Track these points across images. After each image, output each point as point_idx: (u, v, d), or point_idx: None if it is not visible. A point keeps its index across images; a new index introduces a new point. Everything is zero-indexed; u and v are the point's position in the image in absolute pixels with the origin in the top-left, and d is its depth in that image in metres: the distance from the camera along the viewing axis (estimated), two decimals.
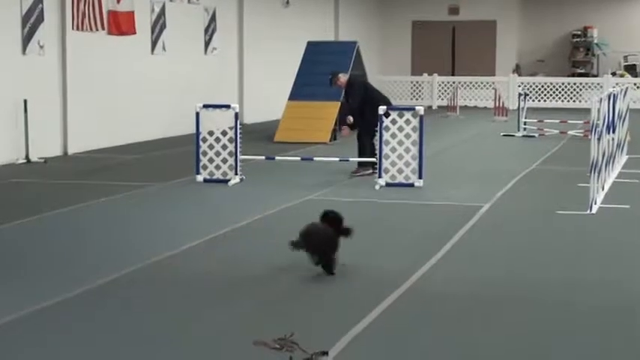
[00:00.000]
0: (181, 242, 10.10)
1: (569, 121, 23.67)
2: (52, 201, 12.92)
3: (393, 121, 14.25)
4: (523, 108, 23.35)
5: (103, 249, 9.95)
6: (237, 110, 14.86)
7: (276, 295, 8.10)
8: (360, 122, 15.53)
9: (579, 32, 38.98)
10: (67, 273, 8.84)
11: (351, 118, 15.55)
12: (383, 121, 14.25)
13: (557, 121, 24.00)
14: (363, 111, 15.30)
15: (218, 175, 14.71)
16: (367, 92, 15.75)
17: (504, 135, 22.94)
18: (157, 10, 22.02)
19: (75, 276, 8.66)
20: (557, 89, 34.00)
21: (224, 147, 14.72)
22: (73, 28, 18.77)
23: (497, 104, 28.47)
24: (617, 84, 28.43)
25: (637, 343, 6.86)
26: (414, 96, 34.96)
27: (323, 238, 8.44)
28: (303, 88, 22.26)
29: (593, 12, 38.67)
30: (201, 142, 14.74)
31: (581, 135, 21.59)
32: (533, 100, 32.06)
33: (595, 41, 38.67)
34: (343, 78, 16.21)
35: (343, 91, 16.28)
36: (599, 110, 12.26)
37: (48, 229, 11.10)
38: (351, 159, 15.61)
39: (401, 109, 14.64)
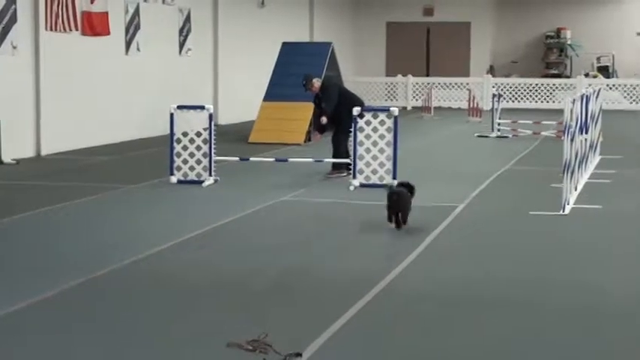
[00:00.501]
0: (155, 243, 10.07)
1: (543, 122, 23.79)
2: (23, 203, 12.85)
3: (368, 122, 14.27)
4: (497, 109, 23.44)
5: (75, 251, 9.91)
6: (212, 111, 14.84)
7: (249, 296, 8.10)
8: (336, 124, 15.56)
9: (553, 34, 39.22)
10: (38, 275, 8.79)
11: (324, 119, 15.55)
12: (357, 122, 14.27)
13: (531, 121, 24.12)
14: (337, 113, 15.33)
15: (192, 176, 14.68)
16: (341, 94, 15.78)
17: (478, 136, 23.03)
18: (131, 10, 21.96)
19: (46, 278, 8.62)
20: (530, 90, 34.16)
21: (198, 148, 14.69)
22: (46, 29, 18.68)
23: (471, 105, 28.58)
24: (589, 85, 28.59)
25: (609, 344, 6.90)
26: (389, 97, 35.02)
27: (406, 199, 11.21)
28: (278, 89, 22.25)
29: (567, 13, 38.91)
30: (175, 143, 14.70)
31: (554, 136, 21.70)
32: (507, 101, 32.19)
33: (568, 42, 38.91)
34: (317, 83, 16.11)
35: (315, 96, 16.16)
36: (572, 111, 12.33)
37: (19, 232, 11.04)
38: (325, 160, 15.62)
39: (375, 110, 14.66)
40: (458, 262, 9.48)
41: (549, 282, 8.62)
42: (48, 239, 10.59)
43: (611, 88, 33.37)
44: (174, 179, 14.66)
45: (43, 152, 18.68)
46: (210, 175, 14.66)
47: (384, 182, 13.94)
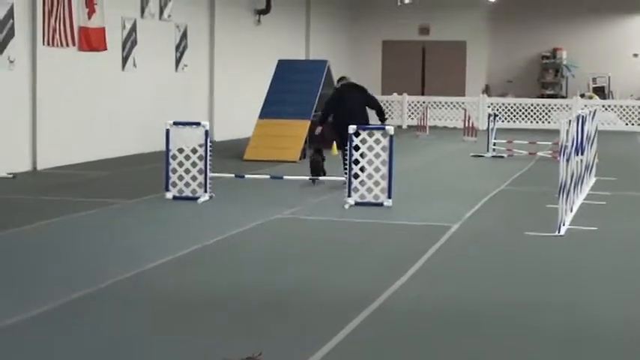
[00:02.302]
0: (150, 260, 10.05)
1: (538, 142, 23.81)
2: (19, 217, 12.83)
3: (363, 141, 14.28)
4: (492, 128, 23.47)
5: (69, 266, 9.88)
6: (208, 128, 14.84)
7: (244, 314, 8.07)
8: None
9: (548, 54, 39.34)
10: (31, 291, 8.76)
11: (318, 129, 16.84)
12: (352, 140, 14.28)
13: (526, 142, 24.15)
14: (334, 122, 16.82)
15: (187, 192, 14.67)
16: (340, 102, 16.73)
17: (474, 155, 23.06)
18: (128, 26, 21.99)
19: (40, 294, 8.59)
20: (526, 110, 34.21)
21: (194, 164, 14.68)
22: (43, 44, 18.70)
23: (466, 124, 28.61)
24: (585, 106, 28.65)
25: None
26: None
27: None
28: (274, 106, 22.28)
29: (563, 34, 39.03)
30: (170, 160, 14.70)
31: (550, 156, 21.73)
32: (503, 121, 32.26)
33: (564, 63, 39.03)
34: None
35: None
36: (567, 132, 12.35)
37: (14, 246, 11.02)
38: (320, 178, 15.62)
39: (371, 129, 14.68)
40: (453, 282, 9.47)
41: (544, 303, 8.61)
42: (42, 254, 10.56)
43: (607, 109, 33.45)
44: (169, 195, 14.65)
45: (40, 166, 18.67)
46: (206, 191, 14.65)
47: (379, 201, 13.96)
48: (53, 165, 18.94)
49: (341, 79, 17.95)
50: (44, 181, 17.15)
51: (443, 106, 34.60)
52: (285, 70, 23.14)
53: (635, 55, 38.89)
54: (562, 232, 12.14)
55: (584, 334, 7.66)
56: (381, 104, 17.68)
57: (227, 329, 7.62)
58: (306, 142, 21.46)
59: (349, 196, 14.25)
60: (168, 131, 14.79)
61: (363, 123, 15.63)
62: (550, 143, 22.76)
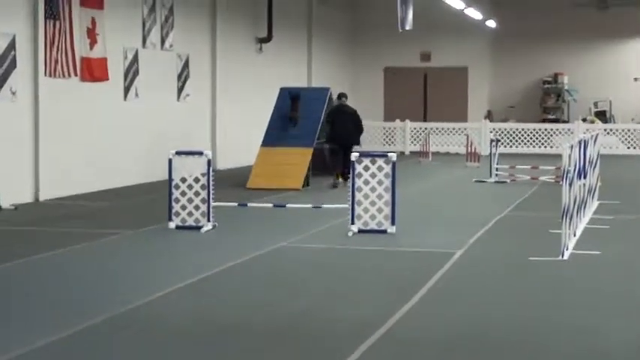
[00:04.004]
0: (153, 290, 10.03)
1: (541, 167, 23.81)
2: (22, 248, 12.82)
3: (366, 168, 14.28)
4: (495, 154, 23.48)
5: (73, 297, 9.86)
6: (210, 157, 14.84)
7: (248, 344, 8.05)
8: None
9: (550, 79, 39.41)
10: (35, 322, 8.74)
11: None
12: (355, 168, 14.26)
13: (529, 166, 24.15)
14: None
15: (190, 222, 14.65)
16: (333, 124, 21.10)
17: (477, 181, 23.05)
18: (130, 56, 22.06)
19: (46, 324, 8.57)
20: (528, 135, 34.23)
21: (197, 194, 14.67)
22: (45, 75, 18.74)
23: (469, 150, 28.62)
24: (587, 130, 28.67)
25: None
26: (387, 142, 35.08)
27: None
28: (276, 134, 22.31)
29: (564, 59, 39.12)
30: (173, 189, 14.69)
31: (553, 181, 21.71)
32: (505, 146, 32.27)
33: (565, 87, 39.09)
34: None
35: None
36: (570, 156, 12.34)
37: (18, 277, 11.00)
38: (323, 206, 15.60)
39: (373, 156, 14.66)
40: (458, 307, 9.44)
41: (552, 325, 8.59)
42: (45, 285, 10.54)
43: (608, 133, 33.47)
44: (172, 225, 14.63)
45: (42, 198, 18.67)
46: (209, 220, 14.64)
47: (383, 228, 13.95)
48: (55, 196, 18.93)
49: (340, 96, 22.36)
50: (47, 212, 17.14)
51: (445, 132, 34.62)
52: (287, 98, 23.17)
53: (636, 79, 38.93)
54: (566, 256, 12.12)
55: (595, 354, 7.62)
56: (363, 126, 22.41)
57: (233, 358, 7.59)
58: (309, 169, 21.46)
59: (352, 223, 14.23)
60: (170, 161, 14.79)
61: (352, 141, 21.39)
62: (553, 168, 22.76)
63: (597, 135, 17.64)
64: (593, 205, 17.17)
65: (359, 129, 22.04)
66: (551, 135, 34.06)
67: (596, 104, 38.55)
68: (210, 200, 14.65)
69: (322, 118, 22.45)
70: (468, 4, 33.12)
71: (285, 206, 16.26)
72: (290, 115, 22.56)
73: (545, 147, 33.73)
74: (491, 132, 33.07)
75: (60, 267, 11.68)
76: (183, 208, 14.67)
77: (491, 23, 38.03)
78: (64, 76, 19.30)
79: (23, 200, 18.14)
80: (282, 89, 23.72)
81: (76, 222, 15.85)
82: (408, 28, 30.79)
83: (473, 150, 28.55)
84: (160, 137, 22.81)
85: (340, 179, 21.22)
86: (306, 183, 21.26)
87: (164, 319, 8.92)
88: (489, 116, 37.82)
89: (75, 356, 7.63)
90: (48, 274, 11.19)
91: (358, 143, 22.06)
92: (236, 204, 16.10)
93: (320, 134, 22.34)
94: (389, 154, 14.32)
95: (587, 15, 36.55)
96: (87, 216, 16.69)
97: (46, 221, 15.88)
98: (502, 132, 34.04)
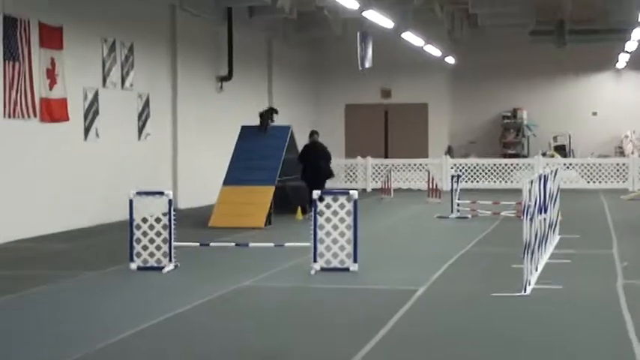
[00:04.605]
0: (114, 333, 9.91)
1: (502, 202, 23.93)
2: None
3: (328, 205, 14.25)
4: (456, 189, 23.57)
5: (30, 343, 9.72)
6: (171, 197, 14.77)
7: None
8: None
9: (509, 114, 39.77)
10: None
11: None
12: (317, 206, 14.24)
13: (490, 202, 24.25)
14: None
15: (152, 262, 14.53)
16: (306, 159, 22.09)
17: (438, 217, 23.10)
18: (90, 96, 21.97)
19: None
20: (489, 170, 34.43)
21: (158, 234, 14.58)
22: (4, 116, 18.62)
23: (430, 186, 28.73)
24: (547, 165, 28.89)
25: None
26: (348, 179, 35.13)
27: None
28: (238, 173, 22.26)
29: (523, 94, 39.53)
30: (134, 229, 14.59)
31: (514, 215, 21.82)
32: (466, 182, 32.43)
33: (525, 122, 39.44)
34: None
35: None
36: (530, 191, 12.41)
37: None
38: (286, 244, 15.56)
39: (335, 194, 14.65)
40: (420, 347, 9.41)
41: None
42: (5, 329, 10.39)
43: (568, 168, 33.75)
44: (133, 266, 14.51)
45: (0, 240, 18.46)
46: (171, 261, 14.54)
47: (345, 266, 13.93)
48: (13, 238, 18.70)
49: (312, 133, 23.99)
50: (4, 255, 16.92)
51: (406, 168, 34.74)
52: (249, 136, 23.18)
53: (595, 114, 39.39)
54: (528, 291, 12.14)
55: None
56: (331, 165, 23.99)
57: None
58: (271, 207, 21.42)
59: (315, 261, 14.19)
60: (131, 201, 14.70)
61: (323, 177, 23.07)
62: (514, 203, 22.87)
63: (557, 169, 17.77)
64: (555, 239, 17.26)
65: (328, 164, 23.75)
66: (512, 170, 34.28)
67: (555, 138, 38.93)
68: (172, 240, 14.56)
69: (283, 155, 22.46)
70: (427, 41, 33.37)
71: (247, 245, 16.20)
72: (261, 121, 23.57)
73: (506, 182, 33.92)
74: (452, 167, 33.23)
75: (16, 312, 11.52)
76: (145, 248, 14.56)
77: (451, 60, 38.34)
78: (23, 117, 19.18)
79: None
80: (243, 127, 23.72)
81: (35, 265, 15.68)
82: (367, 66, 31.03)
83: (434, 186, 28.66)
84: (120, 177, 22.70)
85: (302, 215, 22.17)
86: (269, 221, 21.21)
87: None
88: (450, 152, 38.04)
89: None
90: (4, 320, 11.03)
91: (328, 178, 23.67)
92: (198, 244, 16.02)
93: (281, 172, 22.32)
94: (351, 191, 14.32)
95: (545, 50, 36.95)
96: (46, 258, 16.52)
97: (3, 264, 15.68)
98: (463, 167, 34.21)
